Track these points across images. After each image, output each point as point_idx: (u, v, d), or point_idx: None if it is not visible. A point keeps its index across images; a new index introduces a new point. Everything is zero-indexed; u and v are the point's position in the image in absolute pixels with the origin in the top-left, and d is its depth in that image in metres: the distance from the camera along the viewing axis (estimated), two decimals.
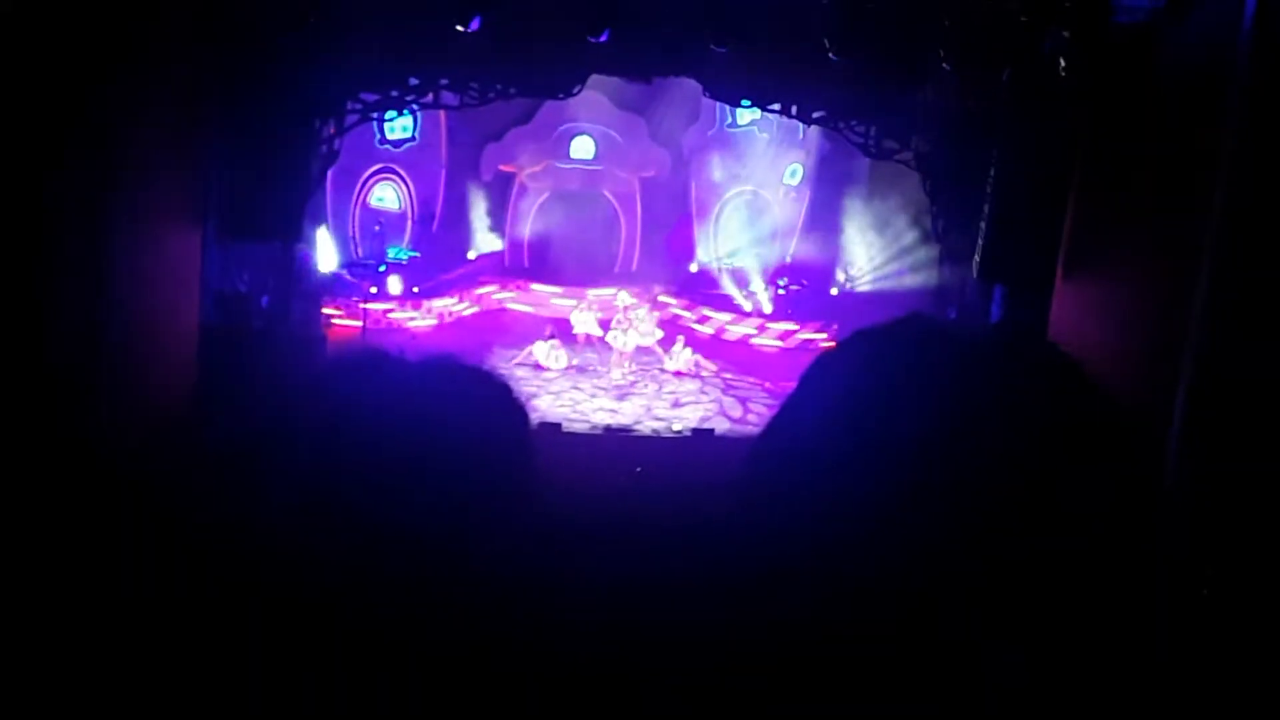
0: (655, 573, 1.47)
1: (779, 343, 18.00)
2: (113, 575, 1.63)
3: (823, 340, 17.52)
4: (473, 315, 18.30)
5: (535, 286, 17.56)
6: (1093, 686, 1.31)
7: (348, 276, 15.76)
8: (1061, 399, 1.34)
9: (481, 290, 18.55)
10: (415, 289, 17.22)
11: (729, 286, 18.76)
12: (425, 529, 1.48)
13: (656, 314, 17.30)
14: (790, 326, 18.01)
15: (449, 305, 17.91)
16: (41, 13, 7.74)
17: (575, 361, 16.36)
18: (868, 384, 1.37)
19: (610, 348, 16.35)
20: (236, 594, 1.47)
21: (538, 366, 15.93)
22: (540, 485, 1.60)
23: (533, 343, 16.20)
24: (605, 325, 16.72)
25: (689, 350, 16.43)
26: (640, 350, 16.41)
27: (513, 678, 1.44)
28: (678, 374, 16.16)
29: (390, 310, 16.72)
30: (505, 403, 1.66)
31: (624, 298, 17.59)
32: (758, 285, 18.44)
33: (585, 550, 1.59)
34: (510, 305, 18.47)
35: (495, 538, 1.52)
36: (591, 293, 17.76)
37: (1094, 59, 9.92)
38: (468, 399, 1.62)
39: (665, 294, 18.41)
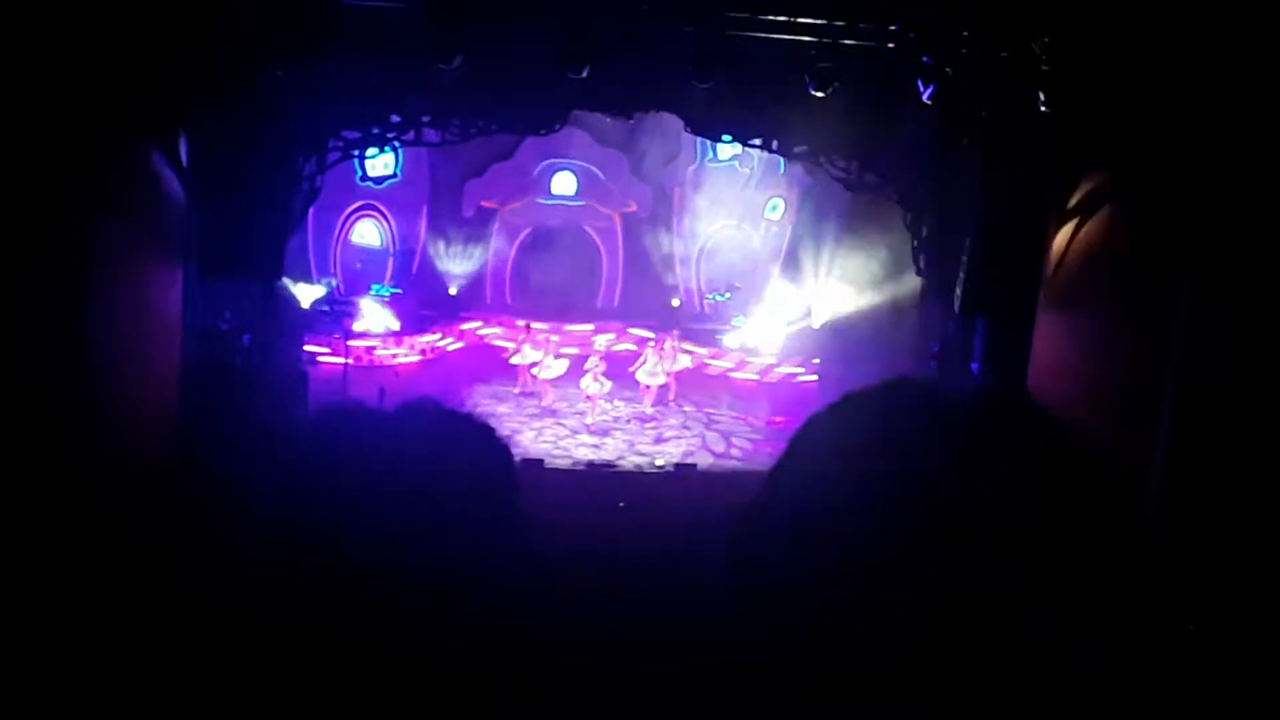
0: (647, 623, 1.51)
1: (758, 377, 17.98)
2: (94, 610, 1.63)
3: (803, 375, 17.49)
4: (456, 351, 18.24)
5: (534, 325, 17.31)
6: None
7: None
8: (1041, 458, 1.39)
9: (466, 326, 18.52)
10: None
11: (710, 321, 18.77)
12: (410, 562, 1.48)
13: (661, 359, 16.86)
14: (770, 361, 17.98)
15: (433, 341, 17.86)
16: (16, 54, 7.74)
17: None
18: (854, 449, 1.40)
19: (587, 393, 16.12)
20: (218, 628, 1.46)
21: (588, 397, 15.90)
22: (526, 518, 1.62)
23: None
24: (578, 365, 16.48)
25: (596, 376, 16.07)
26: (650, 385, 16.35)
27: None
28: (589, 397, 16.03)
29: (374, 346, 16.67)
30: (487, 441, 1.67)
31: (600, 342, 17.55)
32: (739, 319, 18.45)
33: (574, 581, 1.61)
34: (494, 342, 18.38)
35: (483, 572, 1.52)
36: (555, 338, 17.38)
37: (1071, 93, 10.00)
38: (449, 440, 1.62)
39: (642, 329, 18.28)
